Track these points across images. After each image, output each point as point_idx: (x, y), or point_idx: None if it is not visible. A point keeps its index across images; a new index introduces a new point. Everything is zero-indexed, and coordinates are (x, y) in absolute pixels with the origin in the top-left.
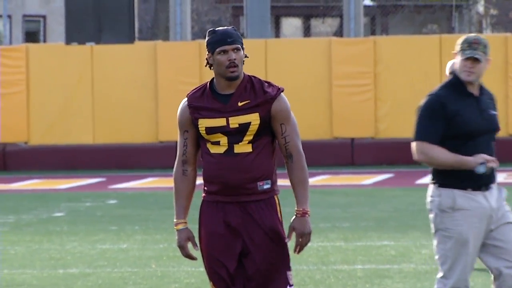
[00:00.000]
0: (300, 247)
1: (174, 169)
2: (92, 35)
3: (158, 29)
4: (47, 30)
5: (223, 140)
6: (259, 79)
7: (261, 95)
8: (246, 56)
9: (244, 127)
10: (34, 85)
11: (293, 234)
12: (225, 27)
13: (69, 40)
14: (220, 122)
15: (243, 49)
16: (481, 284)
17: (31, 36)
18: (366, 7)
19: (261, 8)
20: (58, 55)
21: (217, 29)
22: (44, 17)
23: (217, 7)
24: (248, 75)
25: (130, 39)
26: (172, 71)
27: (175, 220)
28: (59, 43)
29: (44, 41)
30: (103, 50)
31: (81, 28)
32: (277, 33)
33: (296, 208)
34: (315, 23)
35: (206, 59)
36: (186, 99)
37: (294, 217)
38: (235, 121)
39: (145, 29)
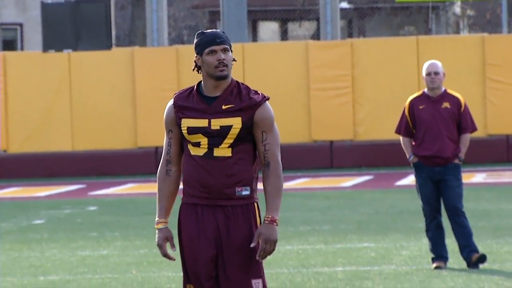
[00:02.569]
0: (263, 252)
1: (159, 169)
2: (69, 42)
3: (135, 36)
4: (24, 38)
5: (204, 141)
6: (247, 86)
7: (246, 100)
8: (234, 60)
9: (225, 130)
10: (12, 93)
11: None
12: (214, 30)
13: (46, 47)
14: (202, 123)
15: (231, 51)
16: (462, 284)
17: (8, 45)
18: (342, 10)
19: (237, 13)
20: (35, 63)
21: (205, 31)
22: (21, 25)
23: (193, 13)
24: (236, 81)
25: (108, 46)
26: (149, 77)
27: (156, 219)
28: (36, 51)
29: (22, 49)
30: (81, 57)
31: (58, 36)
32: (254, 37)
33: (265, 215)
34: (292, 26)
35: (195, 61)
36: (172, 99)
37: (262, 223)
38: (216, 123)
39: (122, 36)
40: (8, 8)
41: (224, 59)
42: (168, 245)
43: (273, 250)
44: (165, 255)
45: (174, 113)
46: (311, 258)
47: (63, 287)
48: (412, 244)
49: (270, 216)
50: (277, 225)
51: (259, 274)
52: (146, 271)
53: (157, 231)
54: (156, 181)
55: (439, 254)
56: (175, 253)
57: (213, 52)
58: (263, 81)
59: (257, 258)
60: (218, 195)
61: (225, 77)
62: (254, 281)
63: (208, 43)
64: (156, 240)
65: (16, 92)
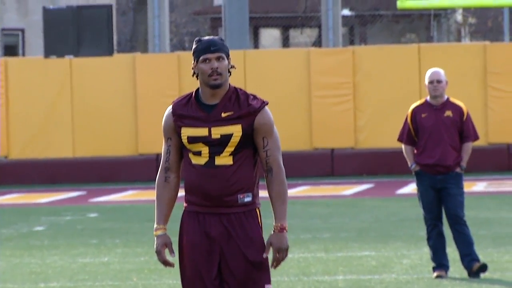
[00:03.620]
0: (277, 262)
1: (157, 176)
2: (71, 48)
3: (136, 42)
4: (26, 44)
5: (204, 150)
6: (245, 92)
7: (244, 107)
8: (233, 67)
9: (226, 138)
10: (13, 98)
11: (271, 250)
12: (212, 37)
13: (47, 53)
14: (202, 132)
15: (228, 58)
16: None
17: (10, 50)
18: (344, 17)
19: (239, 19)
20: (37, 69)
21: (203, 38)
22: (22, 30)
23: (195, 19)
24: (234, 87)
25: (109, 52)
26: (151, 83)
27: (155, 226)
28: (38, 57)
29: (23, 54)
30: (82, 63)
31: (60, 41)
32: (255, 44)
33: (274, 224)
34: (293, 33)
35: (192, 68)
36: (171, 106)
37: (272, 232)
38: (217, 132)
39: (123, 41)
40: (9, 13)
41: (217, 68)
42: (167, 251)
43: (286, 256)
44: (164, 261)
45: (173, 122)
46: (311, 266)
47: None
48: (413, 253)
49: (279, 224)
50: (286, 231)
51: (268, 280)
52: (147, 279)
53: (155, 238)
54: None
55: (440, 262)
56: (174, 260)
57: (207, 60)
58: (264, 87)
59: (272, 267)
60: (220, 203)
61: (218, 86)
62: (267, 286)
63: (203, 51)
64: (155, 246)
65: (17, 98)
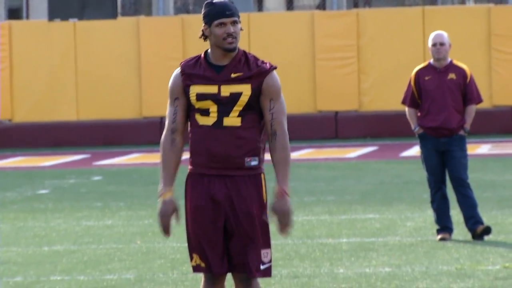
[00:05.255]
0: (282, 227)
1: (163, 138)
2: (75, 11)
3: (140, 5)
4: (30, 7)
5: (213, 108)
6: (254, 55)
7: (254, 68)
8: (241, 29)
9: (235, 97)
10: (17, 62)
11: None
12: (223, 0)
13: (52, 16)
14: (212, 89)
15: (239, 22)
16: (467, 255)
17: (14, 13)
18: None
19: None
20: (41, 32)
21: (214, 1)
22: None
23: None
24: (243, 50)
25: (113, 15)
26: (155, 47)
27: (161, 188)
28: (42, 20)
29: (27, 18)
30: (86, 26)
31: (64, 4)
32: (259, 6)
33: (276, 189)
34: None
35: (202, 30)
36: (179, 67)
37: (275, 198)
38: (226, 90)
39: (127, 4)
40: None
41: (233, 32)
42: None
43: (289, 221)
44: (167, 227)
45: (181, 81)
46: (315, 229)
47: (67, 257)
48: (417, 215)
49: (280, 189)
50: (288, 196)
51: (268, 244)
52: (150, 242)
53: (163, 201)
54: (159, 150)
55: (444, 225)
56: (175, 226)
57: (222, 24)
58: (268, 51)
59: (280, 234)
60: (228, 164)
61: (233, 50)
62: (263, 251)
63: (218, 15)
64: (161, 209)
65: (21, 62)
